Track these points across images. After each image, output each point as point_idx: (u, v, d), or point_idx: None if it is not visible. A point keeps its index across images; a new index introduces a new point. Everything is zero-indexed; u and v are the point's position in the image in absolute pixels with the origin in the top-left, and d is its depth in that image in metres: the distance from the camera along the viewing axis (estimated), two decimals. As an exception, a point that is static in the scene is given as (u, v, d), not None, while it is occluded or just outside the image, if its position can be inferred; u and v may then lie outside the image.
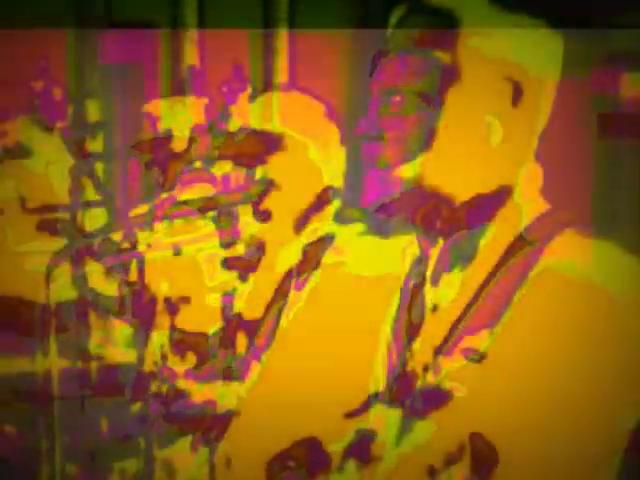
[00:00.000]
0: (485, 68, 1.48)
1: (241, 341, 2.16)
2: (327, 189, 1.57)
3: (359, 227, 1.69)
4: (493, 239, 1.50)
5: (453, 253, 1.52)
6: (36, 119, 4.91)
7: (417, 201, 1.54)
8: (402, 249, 1.59)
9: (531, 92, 1.48)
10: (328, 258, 1.77)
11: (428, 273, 1.54)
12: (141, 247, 2.32)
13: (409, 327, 1.54)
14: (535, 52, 1.48)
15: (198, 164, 2.39)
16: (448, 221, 1.53)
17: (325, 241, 1.79)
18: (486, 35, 1.46)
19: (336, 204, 1.85)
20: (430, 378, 1.48)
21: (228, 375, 2.16)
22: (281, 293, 1.88)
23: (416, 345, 1.52)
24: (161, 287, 2.21)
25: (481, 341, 1.44)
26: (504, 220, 1.53)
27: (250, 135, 2.50)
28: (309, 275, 1.78)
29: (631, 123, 3.01)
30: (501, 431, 1.43)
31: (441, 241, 1.53)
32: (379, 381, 1.57)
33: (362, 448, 1.59)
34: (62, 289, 3.36)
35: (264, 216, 1.83)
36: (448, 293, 1.50)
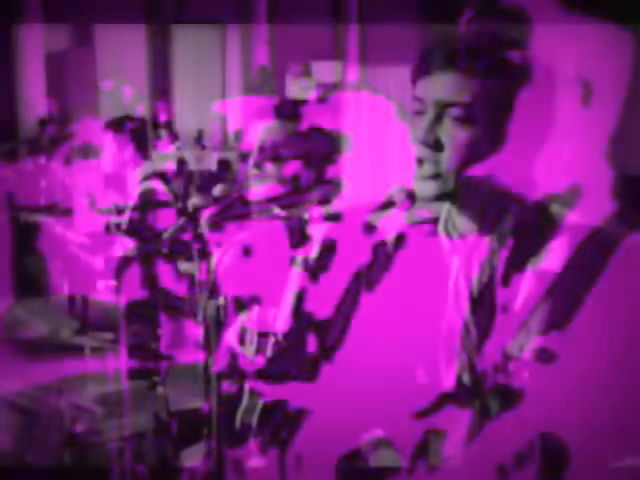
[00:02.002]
0: (555, 67, 1.50)
1: (311, 341, 2.20)
2: (398, 189, 1.60)
3: (429, 227, 1.71)
4: (563, 239, 1.53)
5: (523, 253, 1.54)
6: (105, 119, 5.01)
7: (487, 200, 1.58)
8: (472, 249, 1.61)
9: (601, 91, 1.50)
10: (398, 258, 1.80)
11: (498, 273, 1.56)
12: (211, 247, 2.38)
13: (479, 327, 1.57)
14: (605, 51, 1.51)
15: (268, 165, 2.45)
16: (518, 221, 1.56)
17: (396, 241, 1.82)
18: (556, 34, 1.49)
19: (407, 204, 1.88)
20: (500, 378, 1.50)
21: (298, 375, 2.21)
22: (351, 293, 1.92)
23: (486, 345, 1.55)
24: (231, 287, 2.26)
25: (551, 341, 1.47)
26: (574, 220, 1.55)
27: (320, 135, 2.54)
28: (379, 275, 1.81)
29: None
30: (572, 431, 1.46)
31: (511, 241, 1.56)
32: (449, 381, 1.60)
33: (432, 448, 1.62)
34: (132, 289, 3.44)
35: (334, 217, 1.87)
36: (518, 293, 1.52)
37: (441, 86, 1.53)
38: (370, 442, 1.75)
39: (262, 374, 2.19)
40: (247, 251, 2.42)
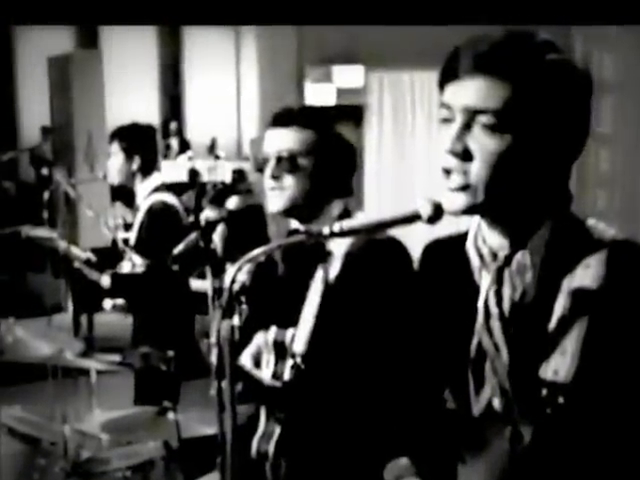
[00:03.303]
0: (593, 73, 1.51)
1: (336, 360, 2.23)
2: (424, 202, 1.60)
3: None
4: (600, 255, 1.53)
5: (558, 269, 1.54)
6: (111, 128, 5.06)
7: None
8: (503, 265, 1.61)
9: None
10: (425, 273, 1.81)
11: (535, 284, 1.56)
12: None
13: (511, 348, 1.57)
14: None
15: (286, 176, 2.46)
16: (553, 235, 1.56)
17: (422, 256, 1.83)
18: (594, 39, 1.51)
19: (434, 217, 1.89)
20: (533, 389, 1.51)
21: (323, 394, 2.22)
22: (376, 311, 1.92)
23: (519, 355, 1.55)
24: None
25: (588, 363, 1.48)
26: (612, 235, 1.56)
27: (342, 144, 2.55)
28: (405, 292, 1.82)
29: None
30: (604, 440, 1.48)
31: (546, 257, 1.56)
32: (479, 406, 1.61)
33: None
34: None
35: (357, 231, 1.89)
36: (553, 312, 1.53)
37: (470, 92, 1.53)
38: (394, 469, 1.77)
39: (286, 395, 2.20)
40: (264, 267, 2.43)
